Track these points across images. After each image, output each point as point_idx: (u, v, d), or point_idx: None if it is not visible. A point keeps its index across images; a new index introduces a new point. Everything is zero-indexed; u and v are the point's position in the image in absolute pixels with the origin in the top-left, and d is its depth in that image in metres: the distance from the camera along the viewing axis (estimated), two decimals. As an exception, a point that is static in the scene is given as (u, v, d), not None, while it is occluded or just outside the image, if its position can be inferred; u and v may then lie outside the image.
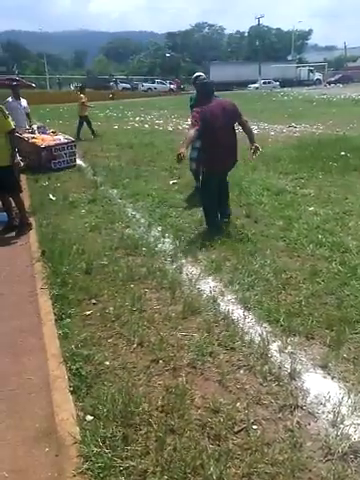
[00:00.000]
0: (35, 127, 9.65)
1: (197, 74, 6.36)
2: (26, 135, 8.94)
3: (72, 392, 2.50)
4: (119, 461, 2.00)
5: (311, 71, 62.09)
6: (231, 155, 4.88)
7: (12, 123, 5.10)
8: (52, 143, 8.85)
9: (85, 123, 13.23)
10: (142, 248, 4.50)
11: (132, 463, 1.99)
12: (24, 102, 9.25)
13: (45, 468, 2.03)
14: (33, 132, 9.38)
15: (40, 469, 2.03)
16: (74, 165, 9.02)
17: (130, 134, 14.16)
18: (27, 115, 9.52)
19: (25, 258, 4.56)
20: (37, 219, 5.64)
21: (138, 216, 5.65)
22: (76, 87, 16.30)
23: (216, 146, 4.71)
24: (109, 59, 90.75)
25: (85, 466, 2.00)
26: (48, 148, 8.62)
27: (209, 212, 4.98)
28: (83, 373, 2.62)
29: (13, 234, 5.24)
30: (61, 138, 9.20)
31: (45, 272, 4.08)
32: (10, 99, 8.96)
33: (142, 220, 5.46)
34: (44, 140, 8.84)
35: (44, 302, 3.58)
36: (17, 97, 9.11)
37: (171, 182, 7.35)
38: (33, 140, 8.78)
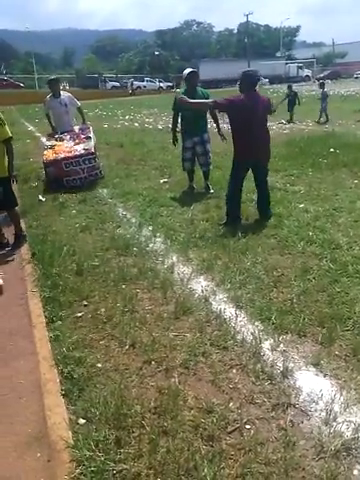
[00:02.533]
0: (77, 128, 7.91)
1: (189, 70, 6.30)
2: (49, 143, 7.62)
3: (64, 395, 2.48)
4: (112, 465, 1.99)
5: (300, 68, 62.41)
6: (262, 149, 4.97)
7: (9, 131, 4.69)
8: (62, 156, 7.14)
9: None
10: (133, 248, 4.48)
11: (125, 466, 1.98)
12: (66, 98, 7.64)
13: (37, 474, 2.01)
14: (75, 136, 7.66)
15: (32, 475, 2.00)
16: (97, 179, 7.29)
17: (120, 133, 14.11)
18: (79, 111, 8.04)
19: (15, 260, 4.52)
20: (27, 221, 5.58)
21: (129, 216, 5.62)
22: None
23: (246, 137, 4.84)
24: (98, 57, 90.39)
25: (78, 471, 1.98)
26: (55, 163, 7.06)
27: (229, 201, 5.11)
28: (75, 376, 2.59)
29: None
30: (78, 149, 7.23)
31: (35, 274, 4.05)
32: (48, 98, 7.71)
33: (133, 220, 5.44)
34: (57, 151, 7.24)
35: (35, 304, 3.55)
36: (56, 94, 7.64)
37: (162, 181, 7.33)
38: (46, 151, 7.37)
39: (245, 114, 4.76)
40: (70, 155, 7.11)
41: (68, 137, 7.61)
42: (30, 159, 9.44)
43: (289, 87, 15.42)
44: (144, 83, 56.55)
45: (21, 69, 68.65)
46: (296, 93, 15.00)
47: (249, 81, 4.94)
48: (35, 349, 2.96)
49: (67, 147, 7.33)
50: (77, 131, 7.79)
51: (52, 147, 7.39)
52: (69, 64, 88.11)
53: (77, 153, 7.13)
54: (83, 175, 7.10)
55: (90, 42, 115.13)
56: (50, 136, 7.90)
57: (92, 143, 7.41)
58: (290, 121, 15.17)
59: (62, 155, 7.12)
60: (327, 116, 14.84)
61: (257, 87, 5.03)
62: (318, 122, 14.83)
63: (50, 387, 2.56)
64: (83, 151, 7.16)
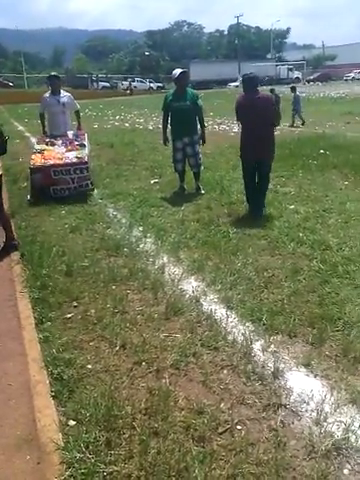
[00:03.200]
0: (70, 134, 7.32)
1: (179, 70, 6.28)
2: (39, 146, 7.01)
3: (54, 397, 2.45)
4: (102, 466, 1.97)
5: (290, 69, 62.78)
6: (262, 147, 5.14)
7: None
8: (51, 162, 6.48)
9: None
10: (124, 249, 4.47)
11: (116, 468, 1.97)
12: (66, 97, 7.18)
13: (26, 476, 1.98)
14: (68, 142, 7.08)
15: (21, 478, 1.98)
16: (87, 191, 6.53)
17: (110, 133, 14.07)
18: (77, 114, 7.64)
19: (4, 261, 4.47)
20: (16, 221, 5.53)
21: (119, 216, 5.60)
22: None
23: (246, 135, 5.22)
24: (88, 57, 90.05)
25: (68, 473, 1.96)
26: (43, 170, 6.38)
27: (246, 193, 5.52)
28: (65, 377, 2.57)
29: None
30: (70, 156, 6.64)
31: (24, 275, 4.01)
32: (47, 95, 7.22)
33: (123, 220, 5.42)
34: (46, 157, 6.62)
35: (24, 306, 3.51)
36: (55, 91, 7.13)
37: (152, 182, 7.32)
38: (34, 155, 6.73)
39: (245, 112, 5.13)
40: (60, 162, 6.49)
41: (60, 142, 7.05)
42: (19, 159, 9.35)
43: (272, 90, 15.20)
44: (135, 83, 56.53)
45: (10, 68, 68.10)
46: (279, 97, 14.46)
47: (249, 83, 5.19)
48: (24, 350, 2.93)
49: (58, 153, 6.75)
50: (71, 136, 7.25)
51: (41, 152, 6.79)
52: (59, 64, 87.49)
53: (68, 161, 6.52)
54: (72, 185, 6.42)
55: (80, 42, 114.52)
56: (41, 139, 7.37)
57: (86, 151, 6.84)
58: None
59: (51, 162, 6.50)
60: (302, 119, 14.87)
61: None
62: (292, 126, 14.72)
63: (40, 389, 2.53)
64: (75, 159, 6.56)
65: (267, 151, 5.19)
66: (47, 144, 7.03)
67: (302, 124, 14.76)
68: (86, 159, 6.61)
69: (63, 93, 7.20)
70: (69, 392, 2.47)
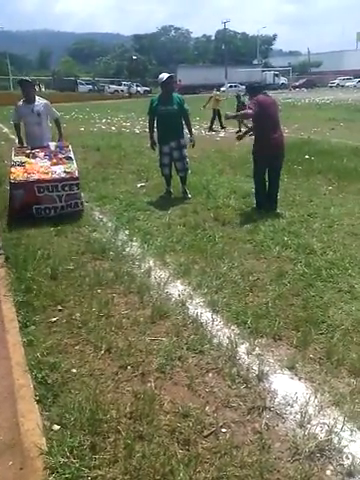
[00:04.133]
0: (52, 145, 6.45)
1: (166, 75, 6.27)
2: (18, 158, 6.06)
3: (38, 401, 2.43)
4: (87, 471, 1.96)
5: (276, 75, 63.62)
6: (279, 146, 5.61)
7: None
8: (35, 177, 5.59)
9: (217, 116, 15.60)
10: (109, 252, 4.45)
11: (100, 472, 1.96)
12: (41, 105, 6.29)
13: (9, 482, 1.96)
14: (51, 155, 6.20)
15: (4, 483, 1.96)
16: (77, 211, 5.69)
17: (97, 136, 14.03)
18: (56, 124, 6.75)
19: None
20: (0, 224, 5.48)
21: (105, 220, 5.59)
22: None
23: (264, 135, 5.54)
24: (75, 60, 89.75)
25: (51, 478, 1.94)
26: (26, 185, 5.47)
27: (256, 193, 5.82)
28: (49, 381, 2.55)
29: None
30: (57, 171, 5.76)
31: (9, 278, 3.96)
32: (20, 103, 6.34)
33: (109, 224, 5.40)
34: (29, 171, 5.70)
35: (8, 309, 3.47)
36: (29, 99, 6.24)
37: (139, 185, 7.32)
38: (13, 168, 5.78)
39: (265, 111, 5.41)
40: (46, 177, 5.58)
41: (42, 154, 6.20)
42: (4, 162, 9.26)
43: (237, 97, 15.00)
44: (122, 87, 56.56)
45: (-5, 69, 67.38)
46: (244, 104, 13.58)
47: (254, 91, 5.68)
48: (8, 354, 2.89)
49: (42, 167, 5.84)
50: (53, 149, 6.40)
51: (22, 164, 5.87)
52: (45, 66, 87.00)
53: (56, 176, 5.62)
54: (59, 204, 5.53)
55: (67, 44, 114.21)
56: (19, 150, 6.39)
57: (75, 165, 5.97)
58: (238, 131, 13.69)
59: (36, 176, 5.58)
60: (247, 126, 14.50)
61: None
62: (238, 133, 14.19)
63: (23, 393, 2.51)
64: (64, 174, 5.66)
65: (282, 150, 5.75)
66: (28, 156, 6.15)
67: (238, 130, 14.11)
68: (76, 174, 5.74)
69: (38, 100, 6.29)
70: (53, 396, 2.45)
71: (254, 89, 5.76)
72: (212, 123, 15.97)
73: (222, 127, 15.85)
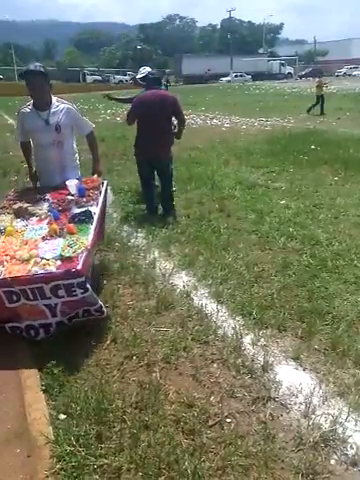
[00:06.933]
0: (72, 186, 3.60)
1: (148, 70, 5.87)
2: (4, 219, 3.37)
3: (44, 391, 2.46)
4: (93, 459, 1.98)
5: (282, 65, 62.85)
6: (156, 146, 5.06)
7: None
8: (11, 275, 2.68)
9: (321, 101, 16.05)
10: (115, 243, 4.46)
11: (106, 461, 1.98)
12: (61, 111, 3.61)
13: (16, 470, 1.99)
14: (55, 212, 3.28)
15: (11, 472, 1.99)
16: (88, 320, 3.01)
17: (102, 127, 13.95)
18: (89, 141, 4.08)
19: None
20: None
21: (110, 211, 5.55)
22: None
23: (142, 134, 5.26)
24: (80, 50, 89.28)
25: (58, 466, 1.97)
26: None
27: (144, 197, 5.51)
28: (55, 371, 2.57)
29: None
30: (47, 253, 2.84)
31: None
32: (27, 109, 3.64)
33: (114, 215, 5.40)
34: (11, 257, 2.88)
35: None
36: (41, 102, 3.58)
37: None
38: None
39: (144, 111, 5.07)
40: (21, 273, 2.70)
41: (44, 207, 3.47)
42: (10, 153, 9.28)
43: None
44: (126, 77, 56.27)
45: (0, 60, 67.20)
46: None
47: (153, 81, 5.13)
48: (15, 345, 2.91)
49: (20, 246, 3.00)
50: (72, 192, 3.57)
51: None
52: (50, 56, 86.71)
53: (39, 270, 2.72)
54: (52, 319, 2.84)
55: (72, 34, 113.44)
56: (14, 197, 3.74)
57: (90, 235, 3.01)
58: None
59: (3, 273, 2.74)
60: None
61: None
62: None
63: (30, 383, 2.53)
64: (57, 264, 2.76)
65: (161, 150, 5.16)
66: (17, 214, 3.43)
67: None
68: (80, 265, 2.70)
69: (57, 104, 3.66)
70: (59, 386, 2.47)
71: (146, 81, 5.20)
72: (322, 107, 16.28)
73: (322, 113, 16.12)
